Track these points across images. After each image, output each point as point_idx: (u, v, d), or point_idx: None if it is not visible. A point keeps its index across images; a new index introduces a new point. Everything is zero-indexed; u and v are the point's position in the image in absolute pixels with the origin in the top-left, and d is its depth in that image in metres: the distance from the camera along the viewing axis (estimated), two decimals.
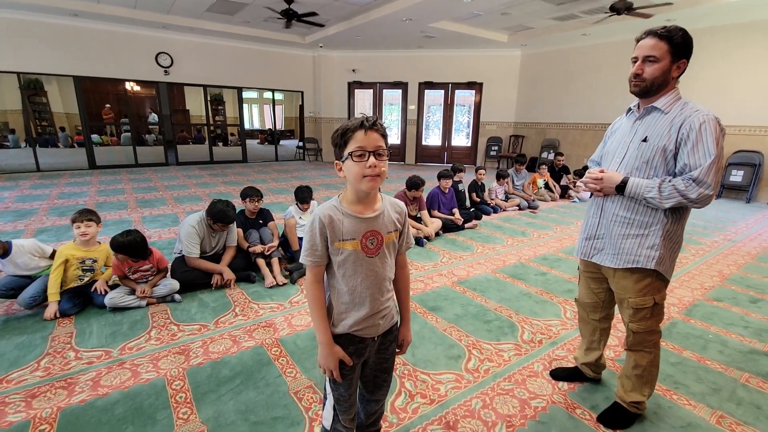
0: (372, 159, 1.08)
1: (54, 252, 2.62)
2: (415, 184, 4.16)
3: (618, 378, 1.81)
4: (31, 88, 12.07)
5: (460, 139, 11.19)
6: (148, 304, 2.69)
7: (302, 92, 11.10)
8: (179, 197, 6.03)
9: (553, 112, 9.47)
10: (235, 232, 3.21)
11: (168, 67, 8.88)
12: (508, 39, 8.77)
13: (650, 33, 1.47)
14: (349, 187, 1.16)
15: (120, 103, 13.09)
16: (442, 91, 10.77)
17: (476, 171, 5.58)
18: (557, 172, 6.95)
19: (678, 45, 1.44)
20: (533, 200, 5.89)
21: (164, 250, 3.47)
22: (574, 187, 6.59)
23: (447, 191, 4.69)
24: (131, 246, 2.58)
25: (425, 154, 11.33)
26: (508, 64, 10.06)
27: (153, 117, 13.54)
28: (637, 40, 1.51)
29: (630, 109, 1.64)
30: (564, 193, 6.66)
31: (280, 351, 2.21)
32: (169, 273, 2.91)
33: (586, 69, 8.63)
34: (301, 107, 11.40)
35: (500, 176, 5.75)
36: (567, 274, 3.36)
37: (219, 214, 2.93)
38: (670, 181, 1.45)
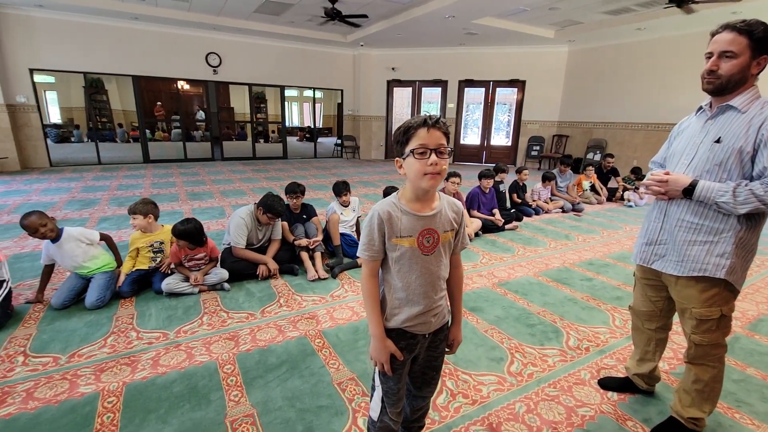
0: (433, 157, 1.09)
1: (101, 235, 2.81)
2: (454, 173, 4.21)
3: (675, 392, 1.72)
4: (94, 86, 13.00)
5: (500, 138, 10.94)
6: (199, 291, 2.85)
7: (342, 90, 11.26)
8: (225, 191, 6.30)
9: (602, 111, 9.06)
10: (280, 226, 3.33)
11: (216, 67, 9.29)
12: (555, 35, 8.46)
13: (728, 27, 1.38)
14: (409, 184, 1.17)
15: (171, 101, 13.84)
16: (483, 89, 10.58)
17: (518, 171, 5.45)
18: (605, 174, 6.65)
19: (759, 40, 1.35)
20: (578, 203, 5.67)
21: (216, 239, 3.63)
22: (635, 190, 6.23)
23: (488, 191, 4.63)
24: (190, 233, 2.75)
25: (463, 153, 11.18)
26: (553, 61, 9.72)
27: (200, 114, 14.22)
28: (712, 35, 1.42)
29: (701, 108, 1.54)
30: (611, 196, 6.36)
31: (323, 342, 2.27)
32: (219, 263, 3.05)
33: (639, 65, 8.18)
34: (340, 105, 11.56)
35: (547, 178, 5.56)
36: (615, 280, 3.22)
37: (271, 207, 3.05)
38: (746, 185, 1.35)
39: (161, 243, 2.88)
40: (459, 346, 1.85)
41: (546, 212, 5.48)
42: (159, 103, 13.97)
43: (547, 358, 2.18)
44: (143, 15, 7.72)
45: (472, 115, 11.09)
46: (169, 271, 2.85)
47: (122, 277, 2.74)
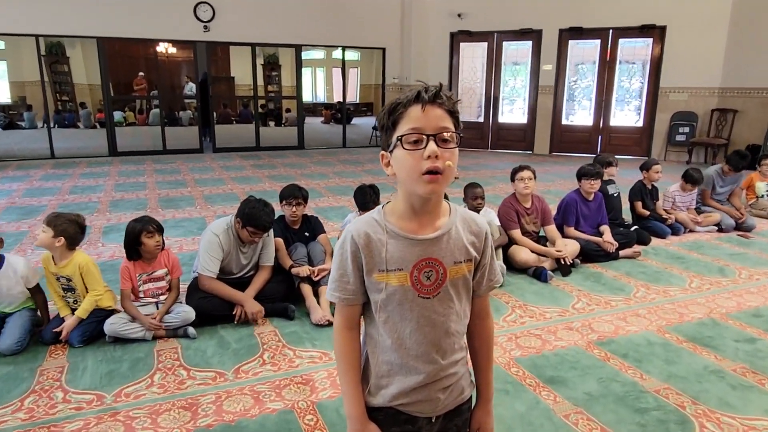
0: (432, 146, 1.06)
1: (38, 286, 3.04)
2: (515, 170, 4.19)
3: None
4: (53, 54, 14.30)
5: (625, 115, 10.58)
6: (155, 337, 2.99)
7: (384, 50, 11.48)
8: (211, 196, 6.61)
9: None
10: (273, 246, 3.43)
11: (208, 22, 9.88)
12: None
13: None
14: (400, 191, 1.16)
15: (153, 72, 14.84)
16: (597, 42, 10.34)
17: (644, 168, 5.22)
18: None
19: None
20: (744, 219, 5.32)
21: (184, 267, 3.82)
22: None
23: (591, 198, 4.50)
24: (140, 231, 2.97)
25: (566, 140, 10.95)
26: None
27: (190, 87, 15.07)
28: None
29: None
30: None
31: (316, 421, 2.28)
32: (185, 299, 3.20)
33: None
34: (383, 72, 11.77)
35: (691, 179, 5.24)
36: None
37: (252, 217, 3.13)
38: None
39: (69, 280, 2.97)
40: None
41: (689, 231, 5.25)
42: (141, 73, 15.06)
43: None
44: None
45: (581, 81, 10.81)
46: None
47: (70, 324, 2.92)
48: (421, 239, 1.15)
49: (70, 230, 2.92)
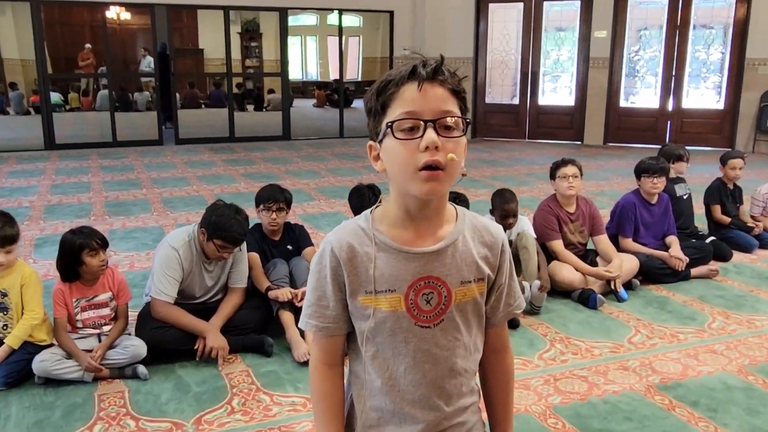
0: (430, 134, 1.07)
1: None
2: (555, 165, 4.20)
3: None
4: None
5: (702, 95, 10.54)
6: (96, 378, 3.00)
7: (392, 13, 11.54)
8: (171, 199, 6.63)
9: None
10: (246, 263, 3.45)
11: None
12: None
13: None
14: (392, 191, 1.18)
15: (99, 43, 15.01)
16: (665, 1, 10.31)
17: (724, 162, 5.20)
18: None
19: None
20: None
21: (134, 290, 3.85)
22: None
23: (655, 201, 4.52)
24: (80, 247, 2.97)
25: (626, 127, 10.94)
26: None
27: (147, 62, 15.22)
28: None
29: None
30: None
31: None
32: (135, 330, 3.22)
33: None
34: (391, 42, 11.83)
35: None
36: None
37: (220, 228, 3.15)
38: None
39: (4, 295, 2.98)
40: None
41: None
42: (88, 45, 15.25)
43: None
44: None
45: (645, 51, 10.81)
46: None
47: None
48: (418, 252, 1.16)
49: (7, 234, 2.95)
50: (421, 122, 1.08)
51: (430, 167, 1.07)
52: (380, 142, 1.14)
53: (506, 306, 1.26)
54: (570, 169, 4.12)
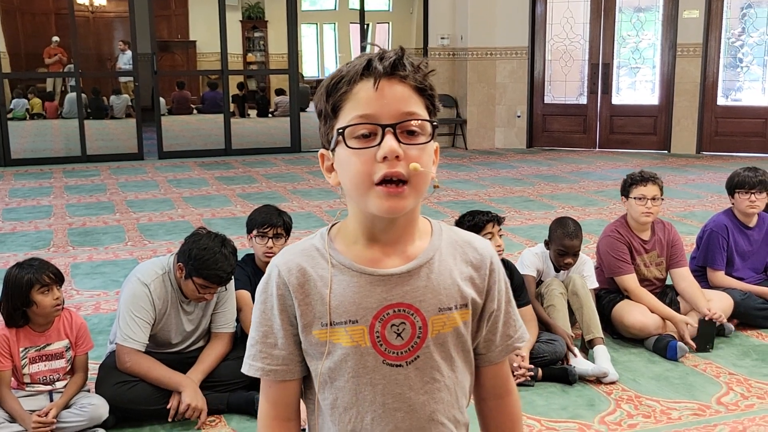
0: (389, 141, 1.10)
1: None
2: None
3: None
4: None
5: None
6: None
7: None
8: (150, 226, 6.72)
9: None
10: (233, 303, 3.50)
11: None
12: None
13: None
14: (350, 207, 1.20)
15: (68, 37, 15.39)
16: None
17: None
18: None
19: None
20: None
21: (99, 337, 3.92)
22: None
23: (753, 223, 4.50)
24: (29, 284, 3.01)
25: (727, 131, 10.83)
26: None
27: (126, 59, 15.55)
28: None
29: None
30: None
31: None
32: (95, 385, 3.26)
33: None
34: (425, 29, 11.93)
35: None
36: None
37: (200, 263, 3.18)
38: None
39: None
40: None
41: None
42: (56, 38, 15.56)
43: None
44: None
45: (750, 35, 10.71)
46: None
47: None
48: (385, 275, 1.18)
49: None
50: (379, 127, 1.10)
51: (390, 181, 1.09)
52: (333, 150, 1.17)
53: (504, 338, 1.28)
54: (650, 190, 4.08)
